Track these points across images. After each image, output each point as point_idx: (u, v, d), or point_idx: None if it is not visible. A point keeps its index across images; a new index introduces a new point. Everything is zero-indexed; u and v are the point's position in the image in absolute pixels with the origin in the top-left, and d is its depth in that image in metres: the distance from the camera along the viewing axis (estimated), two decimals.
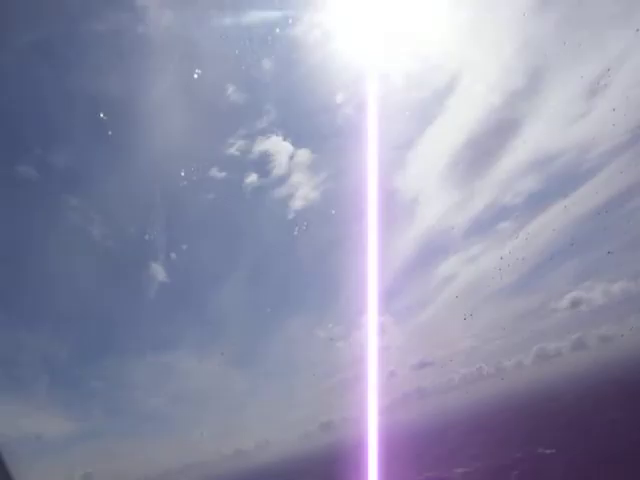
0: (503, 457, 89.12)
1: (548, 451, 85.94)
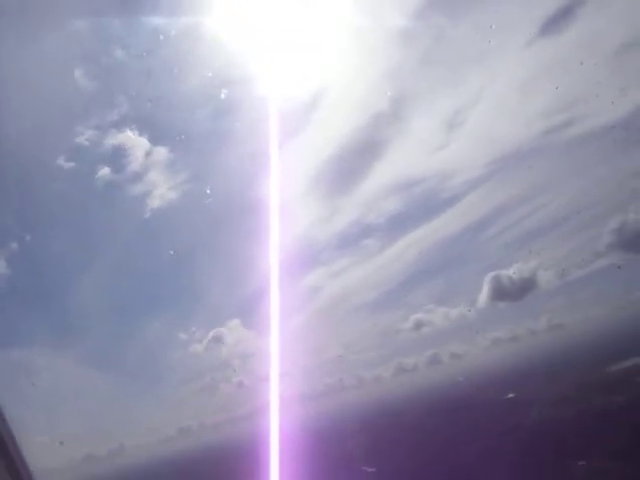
0: (328, 476, 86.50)
1: (369, 469, 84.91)
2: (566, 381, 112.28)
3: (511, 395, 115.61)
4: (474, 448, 75.15)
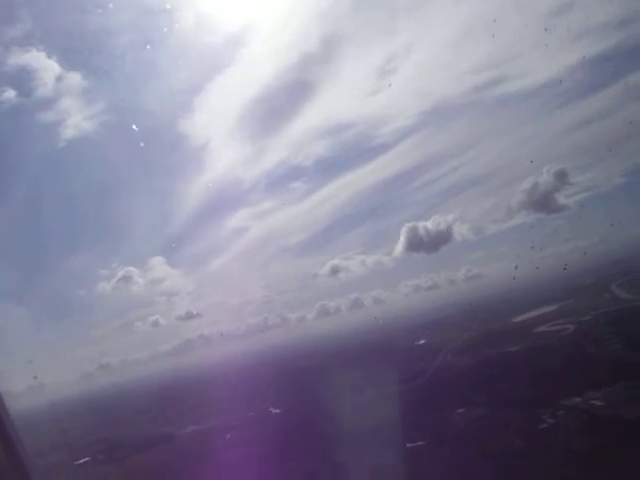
0: (234, 416, 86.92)
1: (275, 410, 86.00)
2: (475, 329, 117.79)
3: (422, 341, 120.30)
4: (373, 393, 76.99)
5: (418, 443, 49.49)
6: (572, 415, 48.16)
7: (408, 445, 49.91)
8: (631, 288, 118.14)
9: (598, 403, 49.58)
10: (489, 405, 56.43)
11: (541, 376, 62.56)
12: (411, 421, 56.80)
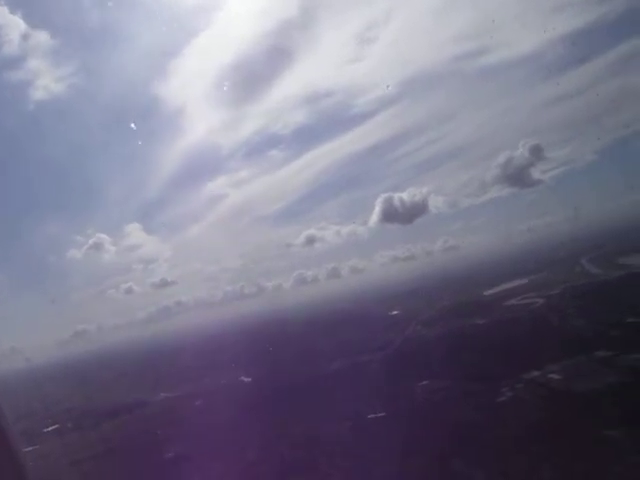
0: (206, 384, 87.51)
1: (246, 379, 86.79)
2: (447, 301, 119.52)
3: (395, 312, 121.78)
4: (342, 364, 77.98)
5: (379, 414, 50.24)
6: (529, 388, 49.31)
7: (370, 416, 50.65)
8: (601, 263, 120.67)
9: (556, 377, 50.80)
10: (452, 377, 57.40)
11: (506, 349, 63.82)
12: (376, 392, 57.75)
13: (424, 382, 57.35)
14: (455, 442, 38.96)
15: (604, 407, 40.05)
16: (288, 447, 46.36)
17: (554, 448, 35.23)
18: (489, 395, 49.13)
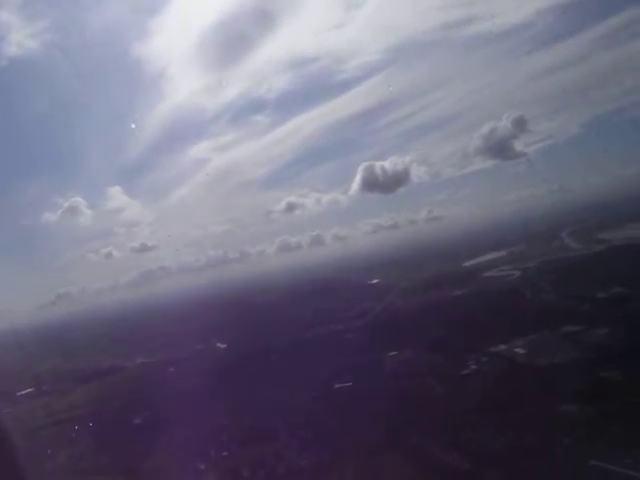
0: (182, 349, 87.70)
1: (222, 345, 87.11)
2: (427, 271, 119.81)
3: (375, 281, 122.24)
4: (316, 332, 78.40)
5: (345, 384, 50.62)
6: (494, 362, 49.75)
7: (336, 385, 51.04)
8: (581, 236, 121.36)
9: (521, 351, 51.26)
10: (421, 348, 57.85)
11: (477, 321, 64.20)
12: (346, 361, 58.12)
13: (393, 352, 57.70)
14: (413, 415, 39.34)
15: (564, 382, 40.51)
16: (251, 416, 46.67)
17: (508, 421, 35.61)
18: (454, 368, 49.45)
